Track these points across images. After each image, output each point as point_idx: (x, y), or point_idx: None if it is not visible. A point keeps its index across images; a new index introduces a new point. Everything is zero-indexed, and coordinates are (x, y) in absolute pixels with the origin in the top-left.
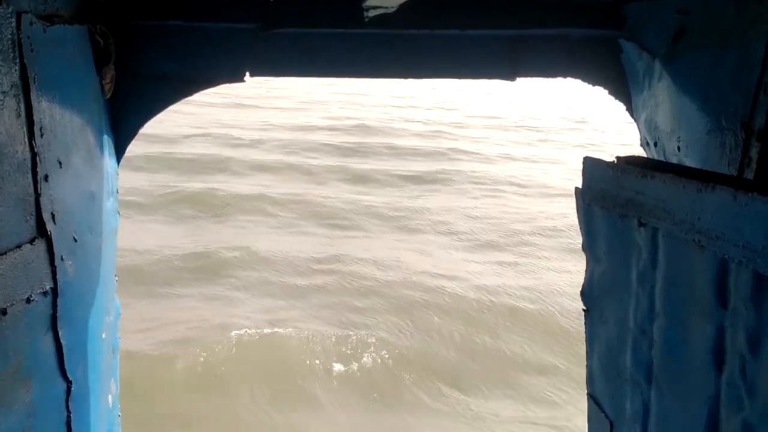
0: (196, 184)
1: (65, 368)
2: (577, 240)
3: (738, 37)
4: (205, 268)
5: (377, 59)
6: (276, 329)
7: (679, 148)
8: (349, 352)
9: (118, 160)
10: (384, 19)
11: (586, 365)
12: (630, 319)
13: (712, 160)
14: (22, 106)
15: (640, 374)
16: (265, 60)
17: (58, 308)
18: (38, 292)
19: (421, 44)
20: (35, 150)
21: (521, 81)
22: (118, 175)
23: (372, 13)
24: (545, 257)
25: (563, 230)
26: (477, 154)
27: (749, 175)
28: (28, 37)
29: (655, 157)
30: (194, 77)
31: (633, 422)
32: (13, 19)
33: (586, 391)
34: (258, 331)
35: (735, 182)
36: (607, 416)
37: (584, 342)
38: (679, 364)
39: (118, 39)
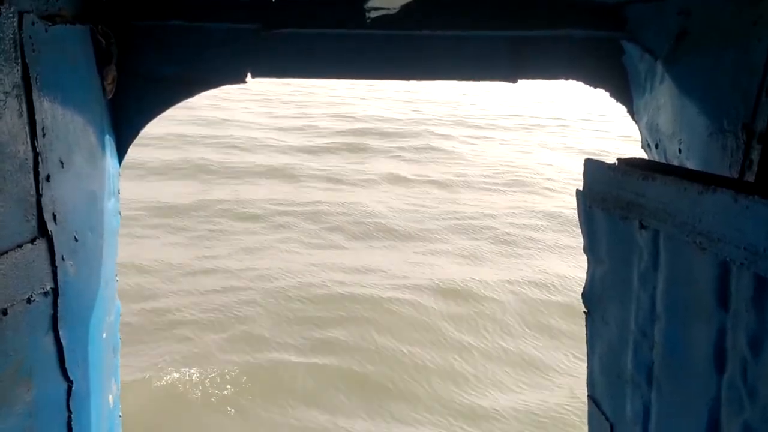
0: None
1: (66, 368)
2: None
3: (739, 38)
4: None
5: (379, 60)
6: None
7: (680, 150)
8: None
9: (120, 161)
10: (386, 20)
11: (587, 367)
12: (631, 321)
13: (714, 162)
14: (24, 106)
15: (641, 376)
16: (266, 61)
17: (58, 308)
18: (39, 292)
19: (423, 45)
20: (37, 150)
21: (522, 83)
22: (119, 175)
23: (374, 14)
24: None
25: None
26: None
27: (750, 177)
28: (30, 37)
29: (657, 159)
30: (196, 78)
31: (633, 424)
32: (15, 19)
33: (586, 393)
34: None
35: (736, 185)
36: (607, 418)
37: (585, 344)
38: (680, 366)
39: (120, 39)
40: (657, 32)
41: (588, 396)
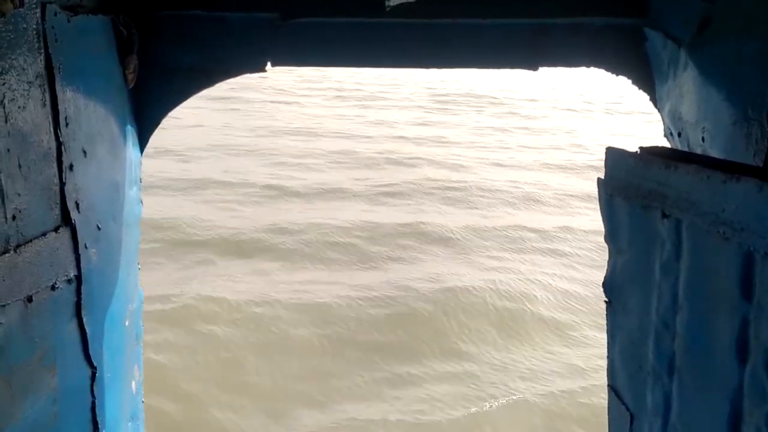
0: None
1: (90, 354)
2: None
3: (764, 25)
4: None
5: (398, 49)
6: None
7: (703, 139)
8: None
9: (141, 150)
10: (405, 9)
11: (607, 357)
12: (653, 311)
13: (738, 150)
14: (47, 95)
15: (662, 367)
16: (286, 50)
17: (82, 296)
18: (63, 279)
19: (442, 33)
20: (60, 139)
21: (543, 70)
22: (141, 164)
23: (393, 3)
24: None
25: None
26: None
27: None
28: (53, 27)
29: (679, 147)
30: (215, 68)
31: (654, 415)
32: (38, 10)
33: (606, 383)
34: None
35: (760, 173)
36: (627, 408)
37: (605, 334)
38: (702, 357)
39: (141, 29)
40: (680, 19)
41: (608, 386)
